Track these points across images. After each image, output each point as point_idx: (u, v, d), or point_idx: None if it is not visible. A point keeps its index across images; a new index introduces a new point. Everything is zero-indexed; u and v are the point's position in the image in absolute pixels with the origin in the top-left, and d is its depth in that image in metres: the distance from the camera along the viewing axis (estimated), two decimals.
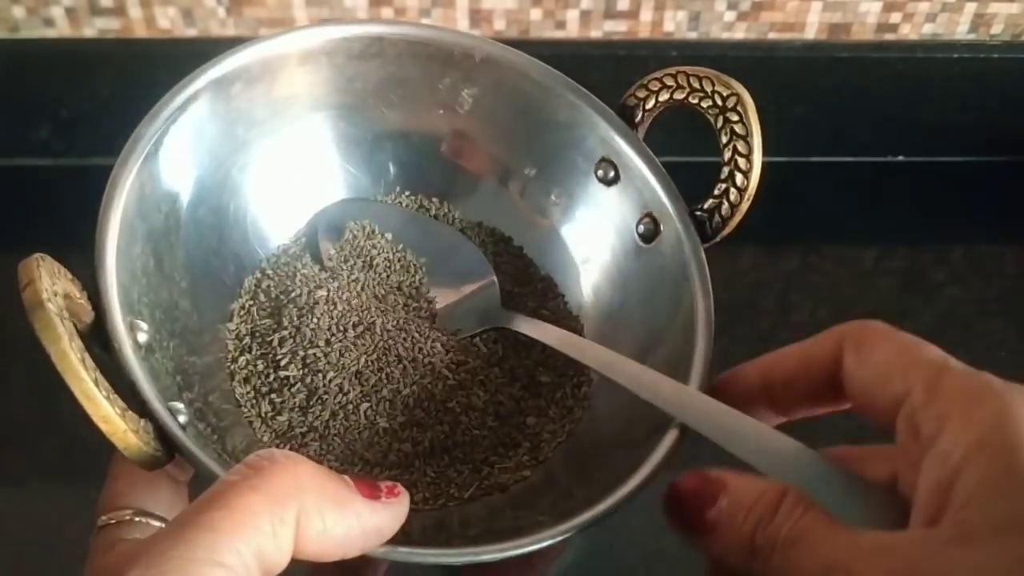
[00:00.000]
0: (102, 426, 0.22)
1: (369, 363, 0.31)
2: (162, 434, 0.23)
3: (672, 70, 0.31)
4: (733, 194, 0.30)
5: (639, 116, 0.32)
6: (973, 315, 0.58)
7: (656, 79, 0.31)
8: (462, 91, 0.32)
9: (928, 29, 0.65)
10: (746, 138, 0.30)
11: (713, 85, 0.30)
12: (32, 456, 0.48)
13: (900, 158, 0.70)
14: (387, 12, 0.61)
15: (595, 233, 0.33)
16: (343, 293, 0.32)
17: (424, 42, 0.32)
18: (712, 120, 0.30)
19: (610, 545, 0.45)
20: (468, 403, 0.30)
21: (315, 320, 0.31)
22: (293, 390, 0.31)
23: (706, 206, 0.31)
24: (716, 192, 0.31)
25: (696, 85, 0.31)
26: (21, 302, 0.60)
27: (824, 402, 0.23)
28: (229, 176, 0.31)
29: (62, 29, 0.61)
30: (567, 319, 0.32)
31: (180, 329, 0.29)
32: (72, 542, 0.45)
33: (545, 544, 0.24)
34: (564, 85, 0.34)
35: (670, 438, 0.26)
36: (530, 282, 0.33)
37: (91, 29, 0.61)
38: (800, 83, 0.65)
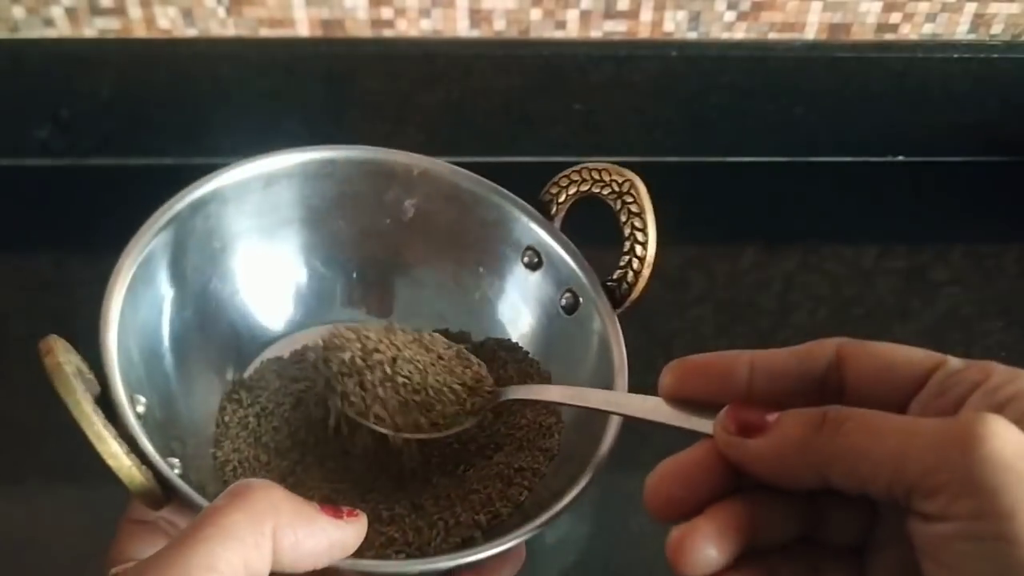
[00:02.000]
0: (110, 462, 0.26)
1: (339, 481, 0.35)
2: (161, 479, 0.27)
3: (577, 167, 0.36)
4: (635, 263, 0.35)
5: (554, 209, 0.38)
6: (973, 315, 0.58)
7: (564, 176, 0.37)
8: (404, 201, 0.38)
9: (928, 29, 0.65)
10: (641, 215, 0.35)
11: (610, 175, 0.36)
12: (32, 456, 0.48)
13: (900, 158, 0.70)
14: (387, 12, 0.62)
15: (526, 309, 0.38)
16: (312, 390, 0.36)
17: (370, 162, 0.37)
18: (612, 204, 0.35)
19: (611, 546, 0.45)
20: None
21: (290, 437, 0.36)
22: (270, 468, 0.35)
23: (615, 276, 0.36)
24: (621, 264, 0.35)
25: (596, 177, 0.36)
26: (22, 304, 0.60)
27: (806, 397, 0.24)
28: (209, 283, 0.36)
29: (62, 29, 0.61)
30: (539, 376, 0.37)
31: (172, 408, 0.33)
32: (72, 542, 0.45)
33: (472, 559, 0.28)
34: (490, 190, 0.38)
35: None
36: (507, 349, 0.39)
37: (91, 29, 0.61)
38: (800, 83, 0.65)
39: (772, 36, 0.64)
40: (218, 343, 0.37)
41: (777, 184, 0.68)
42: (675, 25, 0.63)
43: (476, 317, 0.38)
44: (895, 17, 0.64)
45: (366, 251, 0.39)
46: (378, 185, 0.38)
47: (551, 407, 0.36)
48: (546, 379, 0.37)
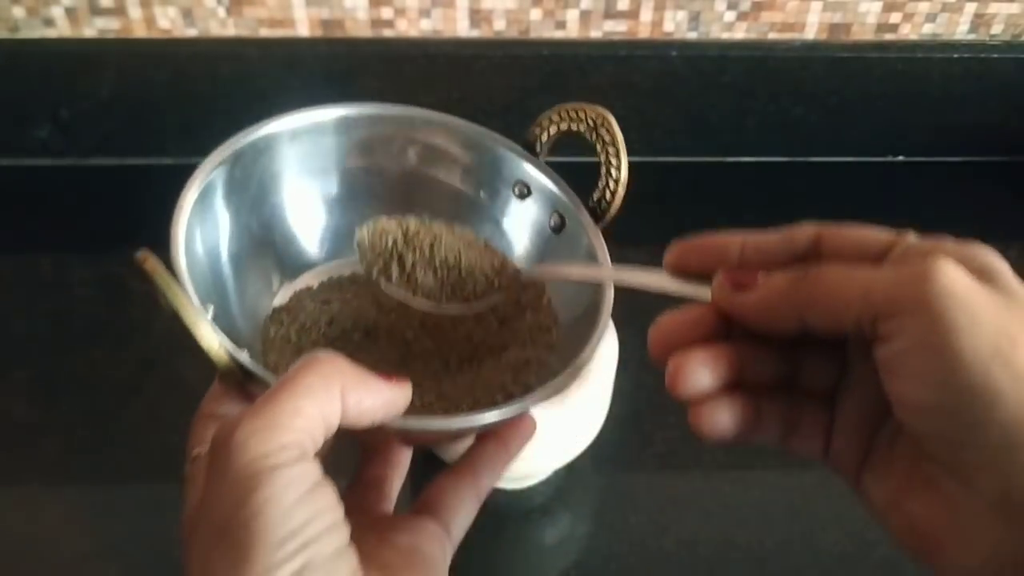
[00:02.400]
0: (203, 343, 0.31)
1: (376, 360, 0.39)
2: (237, 363, 0.32)
3: (557, 108, 0.41)
4: (612, 184, 0.40)
5: (539, 146, 0.42)
6: None
7: (546, 117, 0.42)
8: (408, 149, 0.43)
9: (928, 29, 0.65)
10: (613, 143, 0.39)
11: (586, 113, 0.40)
12: (32, 456, 0.48)
13: (900, 158, 0.70)
14: (387, 12, 0.62)
15: (521, 232, 0.44)
16: (344, 309, 0.41)
17: (377, 116, 0.43)
18: (589, 137, 0.40)
19: (611, 546, 0.45)
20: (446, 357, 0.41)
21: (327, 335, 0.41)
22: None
23: (595, 198, 0.40)
24: (599, 187, 0.40)
25: (574, 115, 0.41)
26: (22, 304, 0.60)
27: (784, 264, 0.28)
28: (249, 224, 0.40)
29: (62, 29, 0.61)
30: (534, 288, 0.42)
31: (232, 321, 0.38)
32: (72, 542, 0.45)
33: (502, 417, 0.32)
34: (482, 135, 0.43)
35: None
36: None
37: (91, 29, 0.61)
38: (800, 83, 0.65)
39: (772, 36, 0.64)
40: (258, 273, 0.41)
41: (777, 184, 0.68)
42: (675, 25, 0.63)
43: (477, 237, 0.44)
44: (895, 17, 0.64)
45: (379, 192, 0.44)
46: (385, 135, 0.43)
47: (543, 305, 0.42)
48: (541, 290, 0.42)
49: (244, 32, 0.62)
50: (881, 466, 0.27)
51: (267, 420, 0.25)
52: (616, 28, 0.63)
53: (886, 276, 0.25)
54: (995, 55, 0.65)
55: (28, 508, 0.46)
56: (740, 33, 0.64)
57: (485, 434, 0.34)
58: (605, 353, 0.44)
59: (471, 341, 0.40)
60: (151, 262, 0.31)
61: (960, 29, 0.65)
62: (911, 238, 0.27)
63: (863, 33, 0.65)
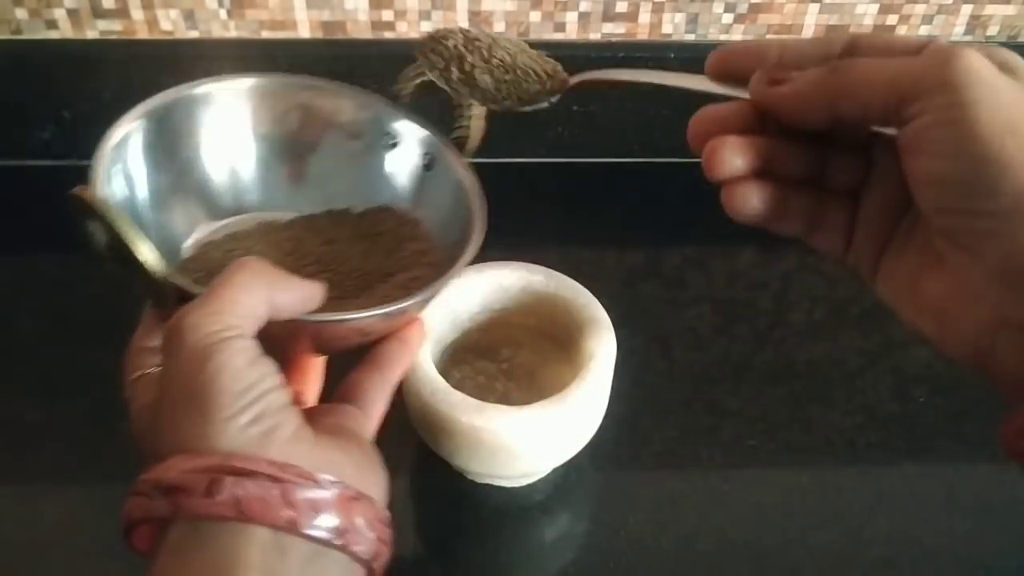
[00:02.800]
0: (144, 258, 0.34)
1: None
2: (172, 283, 0.35)
3: (416, 64, 0.45)
4: (466, 121, 0.44)
5: (400, 97, 0.47)
6: None
7: (405, 75, 0.45)
8: (290, 113, 0.47)
9: (925, 31, 0.65)
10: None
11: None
12: (32, 456, 0.49)
13: None
14: (388, 14, 0.62)
15: (396, 177, 0.48)
16: (248, 255, 0.43)
17: (272, 88, 0.46)
18: (443, 85, 0.44)
19: (610, 545, 0.46)
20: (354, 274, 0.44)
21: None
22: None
23: (456, 134, 0.45)
24: (455, 125, 0.45)
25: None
26: (23, 304, 0.60)
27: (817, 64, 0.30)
28: (160, 180, 0.43)
29: (64, 31, 0.62)
30: (410, 221, 0.47)
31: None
32: (72, 542, 0.45)
33: (385, 310, 0.37)
34: (351, 93, 0.48)
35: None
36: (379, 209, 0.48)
37: (93, 31, 0.62)
38: None
39: (770, 38, 0.65)
40: (171, 221, 0.44)
41: None
42: (673, 27, 0.64)
43: (358, 194, 0.47)
44: (892, 19, 0.64)
45: (274, 154, 0.48)
46: (270, 103, 0.47)
47: (420, 233, 0.45)
48: (415, 223, 0.46)
49: (245, 34, 0.62)
50: (897, 255, 0.30)
51: (211, 308, 0.29)
52: (615, 30, 0.64)
53: (914, 63, 0.27)
54: None
55: (29, 508, 0.46)
56: (738, 35, 0.64)
57: (385, 336, 0.39)
58: (603, 352, 0.45)
59: (362, 272, 0.44)
60: (89, 192, 0.35)
61: (956, 31, 0.65)
62: (940, 41, 0.29)
63: None
